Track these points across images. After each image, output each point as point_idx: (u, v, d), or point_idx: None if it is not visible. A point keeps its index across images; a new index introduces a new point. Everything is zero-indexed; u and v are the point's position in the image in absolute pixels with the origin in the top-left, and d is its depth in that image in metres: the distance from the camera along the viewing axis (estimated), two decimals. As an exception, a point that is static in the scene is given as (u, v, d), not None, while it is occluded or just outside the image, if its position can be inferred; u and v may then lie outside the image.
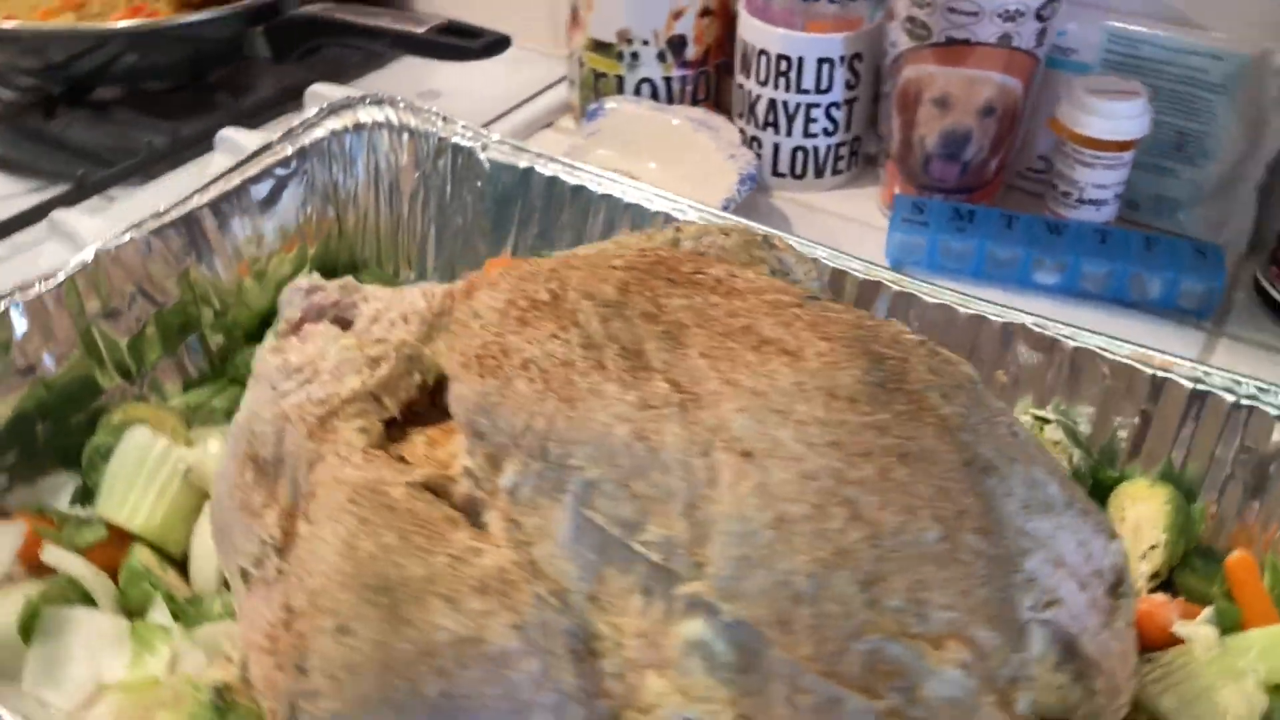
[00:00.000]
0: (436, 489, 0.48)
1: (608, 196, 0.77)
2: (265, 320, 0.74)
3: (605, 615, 0.44)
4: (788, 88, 0.98)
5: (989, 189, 0.97)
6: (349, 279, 0.59)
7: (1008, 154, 0.97)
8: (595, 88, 1.05)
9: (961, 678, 0.40)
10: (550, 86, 1.16)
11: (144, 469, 0.63)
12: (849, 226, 0.99)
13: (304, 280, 0.58)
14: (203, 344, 0.72)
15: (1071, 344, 0.65)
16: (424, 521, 0.44)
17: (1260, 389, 0.62)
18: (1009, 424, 0.47)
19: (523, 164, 0.79)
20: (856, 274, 0.70)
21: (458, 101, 1.10)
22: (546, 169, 0.78)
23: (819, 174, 1.02)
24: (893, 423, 0.43)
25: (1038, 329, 0.66)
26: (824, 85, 0.97)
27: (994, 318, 0.67)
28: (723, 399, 0.43)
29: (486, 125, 1.04)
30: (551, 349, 0.46)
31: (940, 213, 0.92)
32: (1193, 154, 0.95)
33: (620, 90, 1.04)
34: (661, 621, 0.43)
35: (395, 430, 0.54)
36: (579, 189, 0.78)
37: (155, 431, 0.64)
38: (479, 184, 0.80)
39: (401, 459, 0.50)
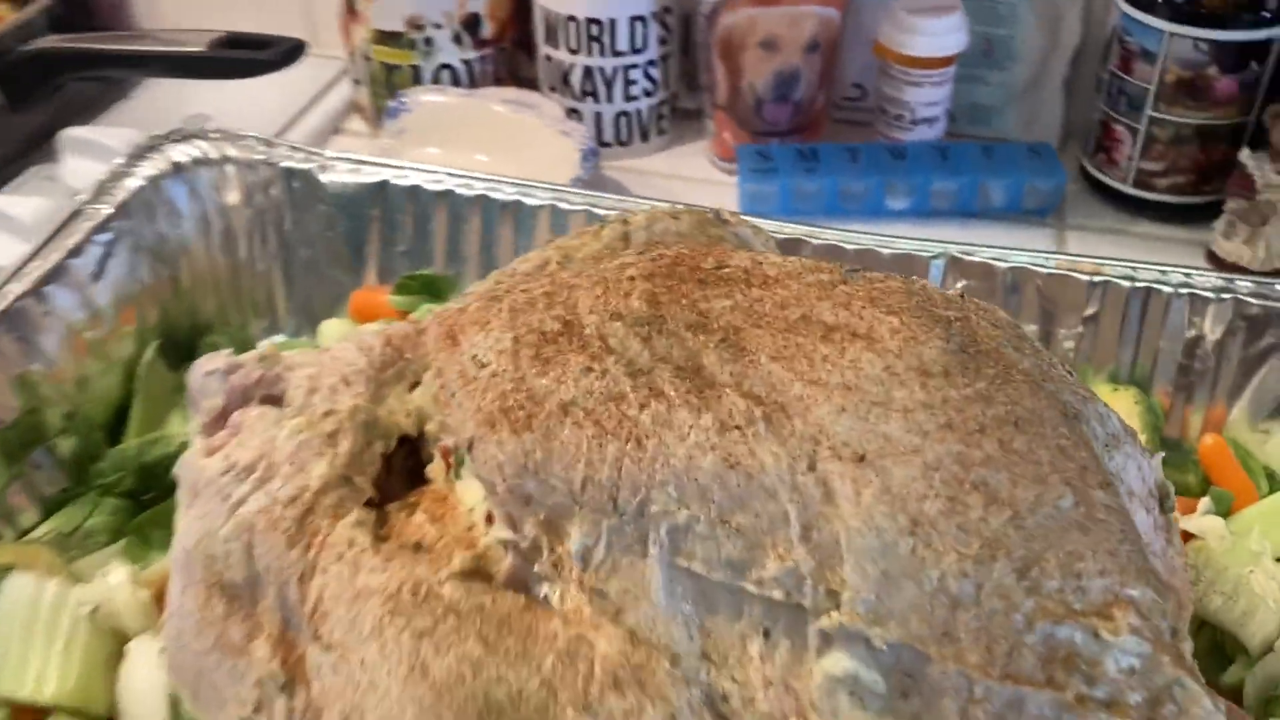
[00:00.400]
0: (479, 574, 0.41)
1: (483, 198, 0.69)
2: (121, 412, 0.63)
3: (723, 671, 0.39)
4: (602, 52, 0.92)
5: (817, 125, 0.96)
6: (267, 346, 0.50)
7: (832, 87, 0.96)
8: (388, 82, 0.96)
9: (1137, 644, 0.37)
10: (327, 89, 1.05)
11: (38, 625, 0.51)
12: (688, 185, 0.95)
13: (216, 360, 0.49)
14: (51, 455, 0.60)
15: (1003, 265, 0.64)
16: (502, 619, 0.38)
17: (1186, 275, 0.63)
18: (1059, 363, 0.45)
19: (372, 178, 0.70)
20: (773, 235, 0.66)
21: (230, 123, 0.98)
22: (405, 179, 0.70)
23: (644, 137, 0.98)
24: (991, 389, 0.39)
25: (966, 256, 0.65)
26: (639, 44, 0.92)
27: (921, 254, 0.65)
28: (813, 403, 0.38)
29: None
30: (590, 385, 0.40)
31: (786, 157, 0.90)
32: (1000, 59, 0.97)
33: (417, 81, 0.96)
34: (792, 663, 0.38)
35: (378, 512, 0.46)
36: (445, 194, 0.70)
37: (35, 575, 0.53)
38: (322, 208, 0.71)
39: (419, 546, 0.43)
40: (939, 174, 0.89)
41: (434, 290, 0.70)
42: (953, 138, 0.96)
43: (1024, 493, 0.38)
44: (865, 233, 0.66)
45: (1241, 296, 0.62)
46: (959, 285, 0.65)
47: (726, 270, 0.43)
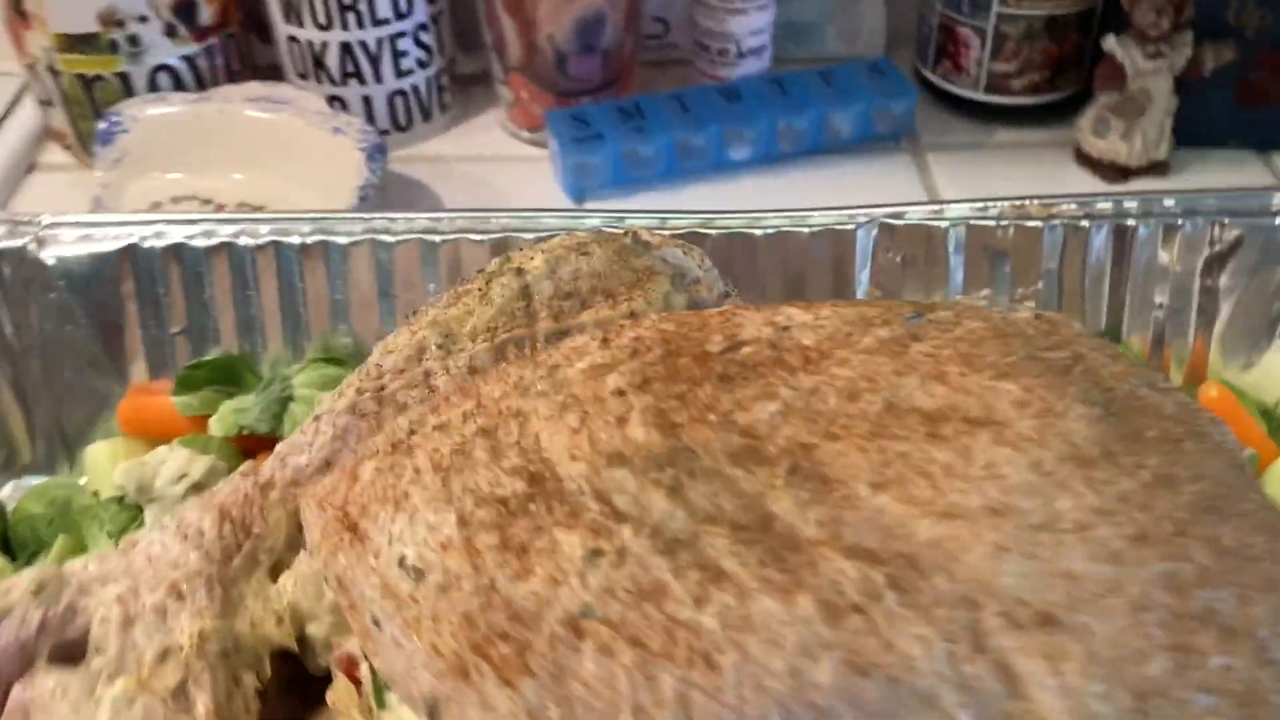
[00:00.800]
0: None
1: (274, 245, 0.52)
2: None
3: None
4: (360, 23, 0.75)
5: (629, 75, 0.82)
6: (42, 569, 0.33)
7: (639, 28, 0.82)
8: (91, 99, 0.75)
9: None
10: (3, 119, 0.83)
11: None
12: (493, 169, 0.80)
13: (-39, 615, 0.31)
14: None
15: (943, 224, 0.53)
16: None
17: (1145, 200, 0.54)
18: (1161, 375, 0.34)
19: (114, 243, 0.52)
20: (659, 232, 0.52)
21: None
22: (161, 236, 0.52)
23: (426, 117, 0.81)
24: (1166, 464, 0.28)
25: (897, 221, 0.53)
26: (403, 8, 0.76)
27: (843, 226, 0.53)
28: (955, 546, 0.26)
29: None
30: (606, 579, 0.26)
31: (607, 118, 0.76)
32: (813, -32, 0.86)
33: (129, 91, 0.75)
34: None
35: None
36: (221, 248, 0.52)
37: None
38: (52, 297, 0.52)
39: None
40: (781, 112, 0.77)
41: (229, 377, 0.53)
42: (779, 65, 0.84)
43: (1259, 609, 0.26)
44: (772, 212, 0.54)
45: (1212, 215, 0.53)
46: (898, 258, 0.53)
47: (746, 350, 0.29)
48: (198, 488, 0.45)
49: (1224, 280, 0.54)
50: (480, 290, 0.38)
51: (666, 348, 0.29)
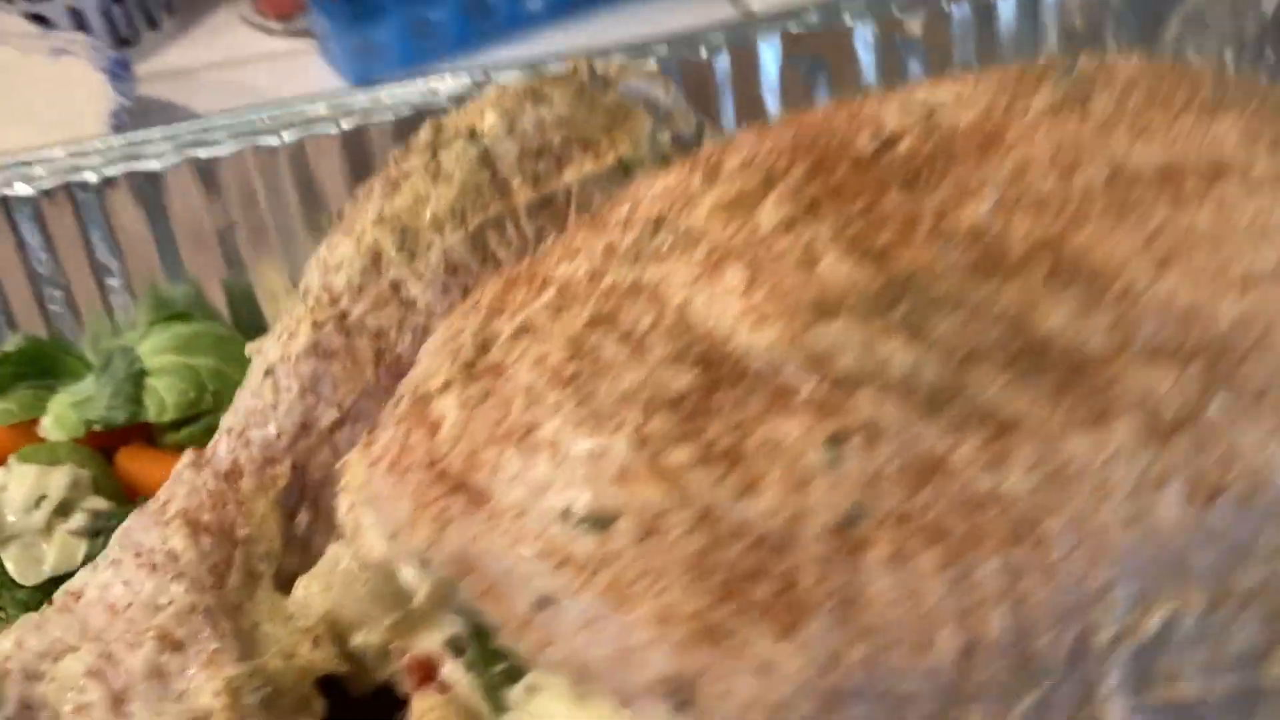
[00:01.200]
0: None
1: (65, 188, 0.41)
2: None
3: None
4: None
5: (382, -65, 0.71)
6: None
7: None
8: None
9: None
10: None
11: None
12: (251, 72, 0.68)
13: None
14: None
15: (847, 24, 0.48)
16: None
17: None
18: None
19: None
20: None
21: None
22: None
23: (153, 24, 0.68)
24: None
25: (798, 30, 0.48)
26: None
27: (746, 43, 0.47)
28: (1264, 320, 0.21)
29: None
30: (862, 466, 0.19)
31: (382, -14, 0.66)
32: None
33: None
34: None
35: None
36: (-5, 207, 0.40)
37: None
38: None
39: None
40: (570, -50, 0.69)
41: (44, 367, 0.41)
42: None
43: None
44: (659, 40, 0.46)
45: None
46: (804, 69, 0.47)
47: (906, 145, 0.22)
48: (64, 509, 0.35)
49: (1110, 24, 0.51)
50: (427, 167, 0.30)
51: (810, 160, 0.22)
